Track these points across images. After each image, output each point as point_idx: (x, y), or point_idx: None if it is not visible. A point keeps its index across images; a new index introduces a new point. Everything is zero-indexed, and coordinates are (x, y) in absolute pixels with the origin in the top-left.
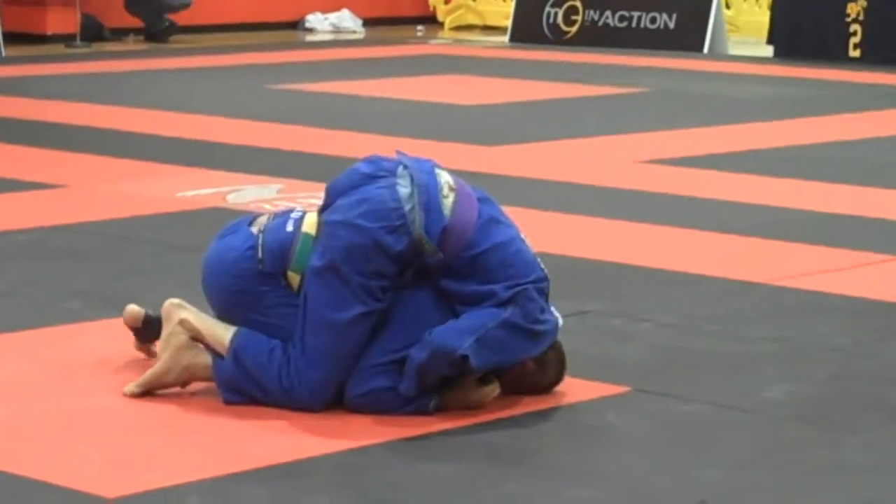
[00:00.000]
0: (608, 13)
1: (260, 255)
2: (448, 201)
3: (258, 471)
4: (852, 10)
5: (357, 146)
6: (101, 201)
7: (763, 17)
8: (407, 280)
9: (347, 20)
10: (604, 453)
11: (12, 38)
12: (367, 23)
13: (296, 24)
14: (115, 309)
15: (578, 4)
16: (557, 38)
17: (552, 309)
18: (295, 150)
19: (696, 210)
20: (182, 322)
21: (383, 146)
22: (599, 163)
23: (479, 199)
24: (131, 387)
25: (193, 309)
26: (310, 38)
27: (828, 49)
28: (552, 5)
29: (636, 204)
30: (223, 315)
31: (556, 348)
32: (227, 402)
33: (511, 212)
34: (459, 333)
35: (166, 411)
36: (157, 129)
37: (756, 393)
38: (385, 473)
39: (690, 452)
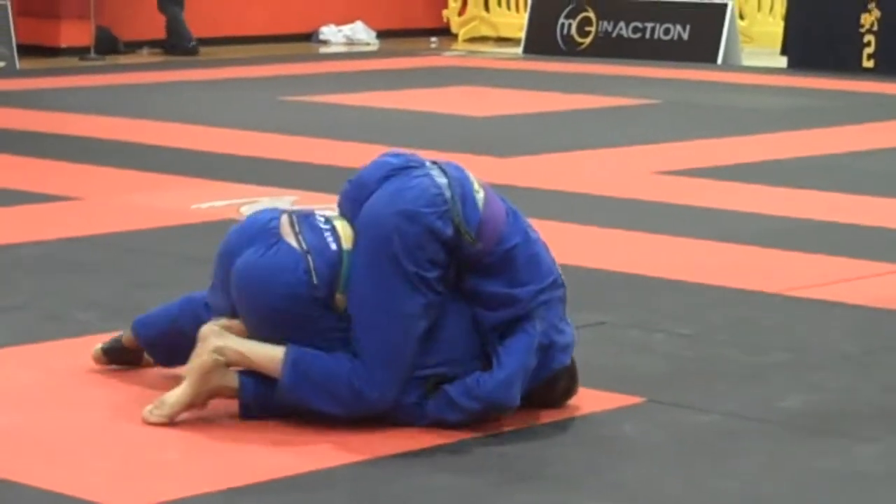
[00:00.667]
0: (622, 24)
1: (315, 281)
2: (480, 196)
3: (270, 483)
4: (866, 20)
5: (370, 157)
6: (114, 213)
7: (777, 28)
8: (451, 278)
9: (361, 32)
10: (619, 464)
11: (26, 51)
12: (381, 35)
13: (310, 36)
14: (129, 321)
15: (592, 16)
16: (571, 50)
17: (568, 320)
18: (308, 161)
19: (710, 220)
20: (217, 350)
21: None
22: (613, 174)
23: (502, 199)
24: (154, 416)
25: (233, 336)
26: (324, 49)
27: (842, 60)
28: (566, 17)
29: (650, 214)
30: (258, 332)
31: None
32: (244, 418)
33: None
34: (513, 384)
35: (178, 423)
36: (171, 141)
37: (770, 402)
38: (398, 485)
39: (706, 463)
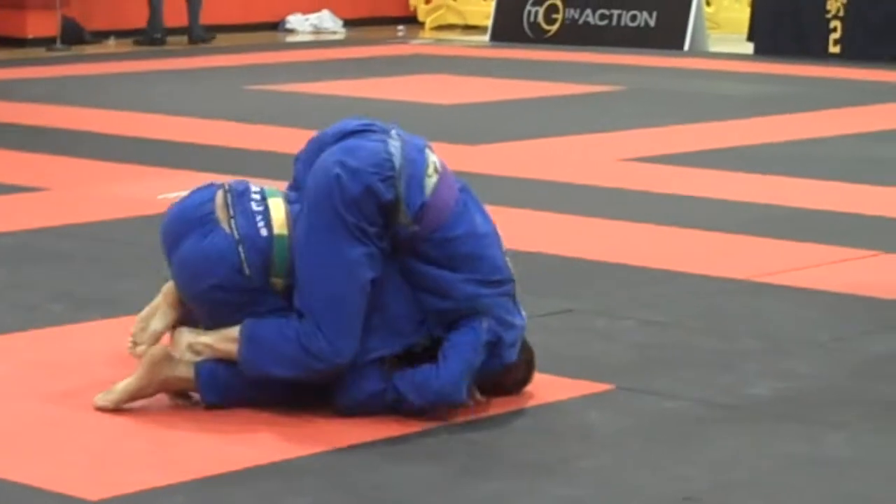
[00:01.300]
0: (588, 11)
1: (248, 272)
2: (431, 181)
3: (244, 472)
4: (832, 6)
5: None
6: (82, 203)
7: (743, 14)
8: (386, 250)
9: (328, 21)
10: (587, 452)
11: None
12: (348, 23)
13: (276, 25)
14: (100, 311)
15: (559, 3)
16: (538, 37)
17: (520, 310)
18: (275, 150)
19: (678, 207)
20: (189, 346)
21: None
22: (581, 161)
23: (460, 189)
24: (103, 401)
25: (204, 332)
26: (290, 38)
27: (808, 45)
28: (533, 4)
29: (618, 202)
30: (210, 320)
31: (524, 349)
32: (209, 406)
33: (492, 210)
34: (459, 380)
35: (150, 413)
36: (138, 130)
37: (739, 389)
38: (370, 474)
39: (674, 450)
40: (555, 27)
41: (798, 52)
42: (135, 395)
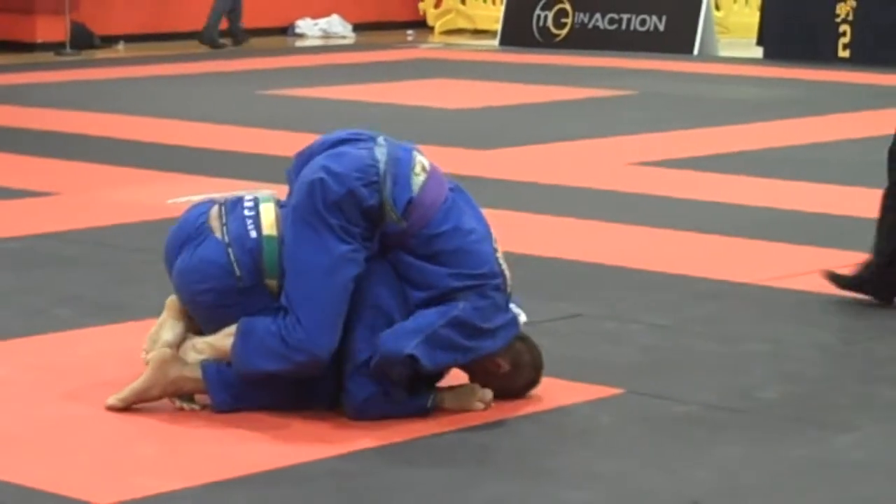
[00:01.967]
0: (598, 16)
1: (238, 272)
2: (419, 179)
3: (250, 477)
4: (842, 10)
5: None
6: (91, 209)
7: (753, 19)
8: (374, 251)
9: (337, 25)
10: (597, 455)
11: (1, 47)
12: (357, 28)
13: (286, 30)
14: (106, 316)
15: (568, 7)
16: (547, 41)
17: (513, 306)
18: (285, 155)
19: (687, 211)
20: (193, 345)
21: None
22: (590, 165)
23: (451, 189)
24: (113, 399)
25: (209, 336)
26: (300, 43)
27: (817, 50)
28: (542, 8)
29: (627, 206)
30: (211, 326)
31: (532, 352)
32: (219, 408)
33: (501, 215)
34: (405, 335)
35: (158, 418)
36: (148, 136)
37: (748, 393)
38: (377, 478)
39: (683, 453)
40: (564, 31)
41: (807, 56)
42: (142, 395)
